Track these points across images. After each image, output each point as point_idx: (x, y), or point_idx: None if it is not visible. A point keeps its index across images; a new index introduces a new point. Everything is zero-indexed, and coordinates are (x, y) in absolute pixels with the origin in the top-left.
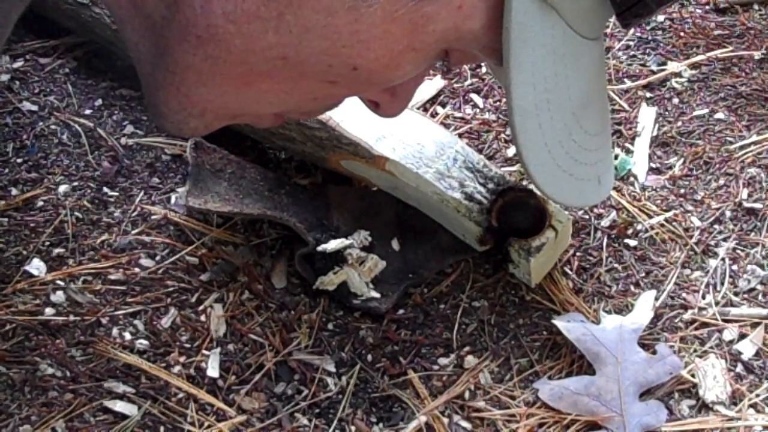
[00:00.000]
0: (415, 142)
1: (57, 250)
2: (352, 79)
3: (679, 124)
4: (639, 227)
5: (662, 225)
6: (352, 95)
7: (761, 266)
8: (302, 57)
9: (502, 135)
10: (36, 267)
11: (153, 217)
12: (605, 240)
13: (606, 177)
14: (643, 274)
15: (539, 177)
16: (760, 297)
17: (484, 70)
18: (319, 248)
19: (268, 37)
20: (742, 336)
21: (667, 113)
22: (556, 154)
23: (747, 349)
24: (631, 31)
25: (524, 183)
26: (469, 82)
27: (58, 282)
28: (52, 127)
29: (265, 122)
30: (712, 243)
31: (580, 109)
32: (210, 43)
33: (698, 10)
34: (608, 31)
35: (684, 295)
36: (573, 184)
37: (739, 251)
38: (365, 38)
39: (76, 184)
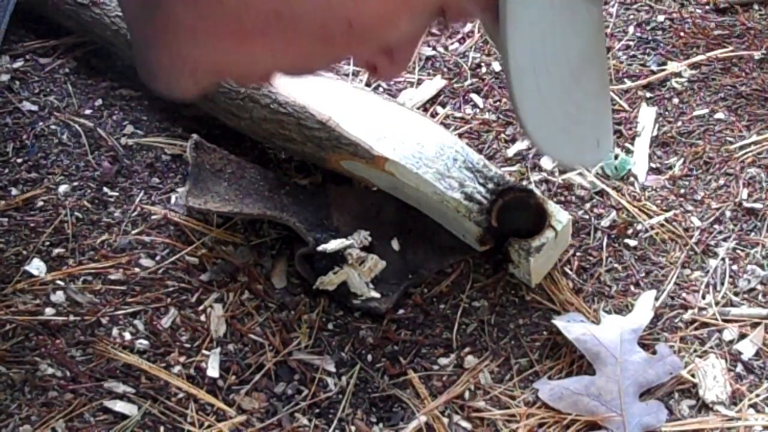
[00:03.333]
0: (414, 142)
1: (57, 250)
2: (348, 36)
3: (679, 124)
4: (639, 227)
5: (662, 225)
6: (348, 55)
7: (761, 266)
8: (296, 13)
9: (502, 135)
10: (36, 267)
11: (153, 217)
12: (605, 240)
13: (605, 140)
14: (643, 274)
15: (537, 134)
16: (760, 297)
17: (484, 69)
18: (319, 248)
19: None
20: (742, 336)
21: (667, 113)
22: (555, 113)
23: (747, 349)
24: (631, 30)
25: (524, 183)
26: (469, 82)
27: (58, 282)
28: (52, 127)
29: (255, 80)
30: (712, 243)
31: (578, 69)
32: None
33: (698, 10)
34: (608, 31)
35: (684, 295)
36: (571, 143)
37: (739, 251)
38: None
39: (76, 184)
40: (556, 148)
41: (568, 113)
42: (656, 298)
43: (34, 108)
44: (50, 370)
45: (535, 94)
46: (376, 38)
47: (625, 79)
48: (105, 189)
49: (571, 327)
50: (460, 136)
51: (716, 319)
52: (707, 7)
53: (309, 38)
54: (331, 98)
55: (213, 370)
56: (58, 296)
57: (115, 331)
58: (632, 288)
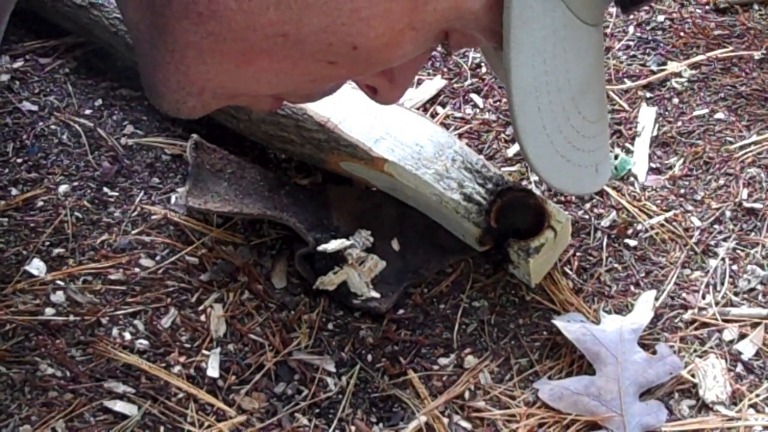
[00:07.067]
0: (413, 143)
1: (57, 250)
2: (352, 59)
3: (679, 124)
4: (639, 227)
5: (662, 225)
6: (351, 77)
7: (761, 266)
8: (302, 35)
9: (502, 135)
10: (36, 267)
11: (153, 217)
12: (605, 240)
13: (603, 166)
14: (643, 274)
15: (537, 162)
16: (760, 297)
17: (484, 69)
18: (320, 248)
19: (269, 14)
20: (742, 336)
21: (667, 113)
22: (555, 139)
23: (747, 349)
24: (631, 30)
25: (523, 183)
26: (469, 82)
27: (58, 282)
28: (52, 127)
29: (262, 105)
30: (712, 243)
31: (579, 95)
32: (211, 20)
33: (698, 10)
34: (608, 31)
35: (684, 295)
36: (570, 170)
37: (739, 251)
38: (366, 16)
39: (76, 184)
40: (555, 177)
41: (568, 138)
42: (656, 298)
43: (34, 108)
44: (50, 370)
45: (536, 117)
46: (380, 61)
47: (625, 79)
48: (105, 189)
49: (571, 327)
50: (460, 136)
51: (716, 319)
52: (707, 7)
53: (313, 60)
54: (329, 99)
55: (213, 370)
56: (58, 296)
57: (115, 331)
58: (632, 288)
